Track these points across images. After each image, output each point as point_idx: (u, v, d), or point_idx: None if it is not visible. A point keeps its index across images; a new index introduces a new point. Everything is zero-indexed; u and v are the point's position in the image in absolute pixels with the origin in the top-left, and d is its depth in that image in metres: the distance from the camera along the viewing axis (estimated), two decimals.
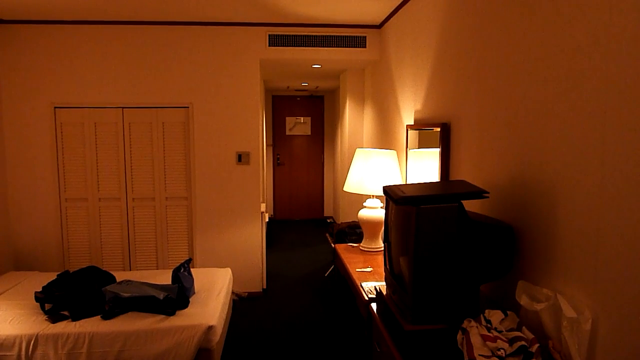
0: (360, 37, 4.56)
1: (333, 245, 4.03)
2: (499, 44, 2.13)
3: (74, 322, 2.93)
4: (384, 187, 2.03)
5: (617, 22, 1.38)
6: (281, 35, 4.48)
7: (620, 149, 1.36)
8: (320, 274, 5.46)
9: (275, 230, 7.65)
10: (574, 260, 1.58)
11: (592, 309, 1.48)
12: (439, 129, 2.79)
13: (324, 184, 8.67)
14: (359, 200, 4.74)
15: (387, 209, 2.22)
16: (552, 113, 1.71)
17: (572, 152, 1.58)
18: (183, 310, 3.11)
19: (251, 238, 4.70)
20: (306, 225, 8.21)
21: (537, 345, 1.55)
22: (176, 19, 4.32)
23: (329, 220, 8.41)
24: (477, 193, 1.83)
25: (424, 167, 3.13)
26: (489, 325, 1.71)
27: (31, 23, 4.28)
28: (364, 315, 2.55)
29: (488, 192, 1.84)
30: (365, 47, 4.57)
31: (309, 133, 8.61)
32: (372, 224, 3.40)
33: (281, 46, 4.50)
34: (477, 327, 1.68)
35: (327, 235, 6.92)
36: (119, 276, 3.57)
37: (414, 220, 1.73)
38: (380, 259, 3.25)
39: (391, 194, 1.89)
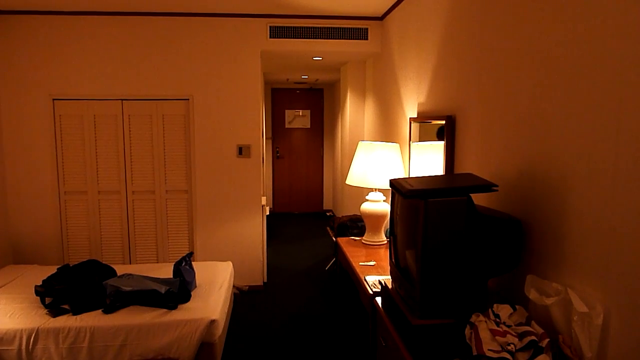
0: (362, 28, 4.51)
1: (334, 239, 4.01)
2: (506, 33, 2.10)
3: (75, 316, 2.91)
4: (390, 180, 2.01)
5: (635, 9, 1.35)
6: (282, 26, 4.44)
7: (636, 139, 1.34)
8: (321, 268, 5.45)
9: (275, 224, 7.62)
10: (585, 253, 1.56)
11: (603, 303, 1.46)
12: (443, 122, 2.76)
13: (324, 178, 8.64)
14: (359, 193, 4.72)
15: (393, 202, 2.19)
16: (563, 103, 1.68)
17: (584, 144, 1.56)
18: (185, 304, 3.09)
19: (252, 231, 4.68)
20: (306, 219, 8.19)
21: (547, 340, 1.53)
22: (176, 10, 4.26)
23: (328, 214, 8.39)
24: (486, 186, 1.81)
25: (427, 160, 3.11)
26: (497, 319, 1.69)
27: (29, 13, 4.22)
28: (368, 309, 2.54)
29: (497, 185, 1.82)
30: (367, 39, 4.53)
31: (309, 126, 8.57)
32: (375, 217, 3.38)
33: (282, 38, 4.45)
34: (485, 321, 1.66)
35: (328, 228, 6.90)
36: (120, 270, 3.55)
37: (423, 214, 1.71)
38: (383, 252, 3.23)
39: (399, 187, 1.87)
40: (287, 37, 4.46)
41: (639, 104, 1.33)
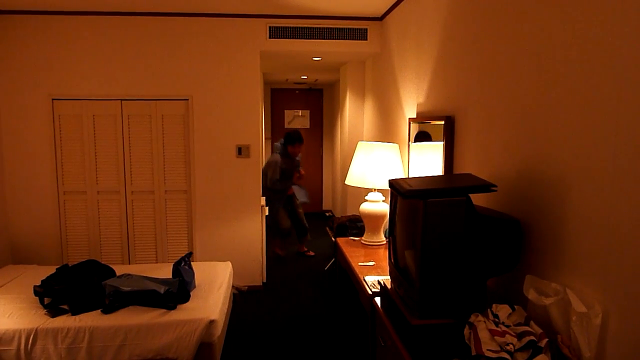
0: (362, 29, 4.52)
1: (334, 239, 4.02)
2: (505, 34, 2.10)
3: (74, 316, 2.91)
4: (389, 180, 2.01)
5: (634, 7, 1.36)
6: (282, 27, 4.44)
7: (635, 140, 1.34)
8: (320, 268, 5.45)
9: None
10: (584, 253, 1.57)
11: (602, 303, 1.46)
12: (442, 122, 2.76)
13: (323, 178, 8.64)
14: (359, 193, 4.72)
15: (392, 202, 2.20)
16: (561, 104, 1.68)
17: (583, 144, 1.56)
18: (184, 305, 3.08)
19: (251, 231, 4.68)
20: (305, 219, 8.16)
21: (545, 340, 1.53)
22: (176, 10, 4.26)
23: (327, 214, 8.39)
24: (484, 186, 1.81)
25: (426, 160, 3.11)
26: (496, 319, 1.69)
27: (28, 13, 4.21)
28: (368, 309, 2.54)
29: (496, 186, 1.82)
30: (366, 39, 4.53)
31: (308, 126, 8.57)
32: (374, 217, 3.38)
33: (281, 38, 4.46)
34: (484, 321, 1.66)
35: (327, 228, 6.90)
36: (119, 270, 3.54)
37: (422, 214, 1.71)
38: (382, 252, 3.23)
39: (398, 188, 1.87)
40: (286, 38, 4.47)
41: (636, 105, 1.33)
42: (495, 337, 1.57)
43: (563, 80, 1.67)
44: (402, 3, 3.80)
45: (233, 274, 4.17)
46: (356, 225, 3.98)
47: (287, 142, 5.68)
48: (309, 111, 8.55)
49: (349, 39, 4.52)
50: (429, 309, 1.78)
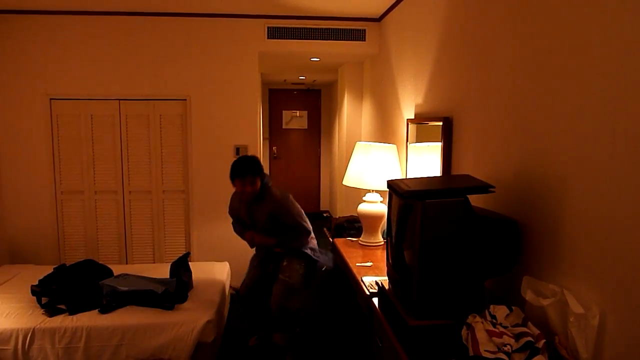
0: (360, 30, 4.52)
1: (331, 240, 4.01)
2: (502, 35, 2.11)
3: (71, 316, 2.91)
4: (388, 181, 2.01)
5: (630, 9, 1.36)
6: (280, 27, 4.44)
7: (632, 142, 1.35)
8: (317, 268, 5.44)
9: None
10: (582, 255, 1.57)
11: (599, 304, 1.46)
12: (440, 123, 2.76)
13: (321, 178, 8.64)
14: (356, 194, 4.72)
15: (390, 203, 2.20)
16: (560, 105, 1.69)
17: (581, 145, 1.56)
18: (181, 305, 3.09)
19: None
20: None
21: (543, 341, 1.53)
22: (175, 10, 4.26)
23: (325, 215, 8.39)
24: (482, 187, 1.82)
25: (424, 161, 3.11)
26: (494, 320, 1.69)
27: (26, 13, 4.20)
28: (365, 310, 2.54)
29: (494, 187, 1.82)
30: (364, 40, 4.54)
31: (306, 127, 8.57)
32: (372, 218, 3.38)
33: (280, 38, 4.46)
34: (482, 322, 1.67)
35: (325, 229, 6.90)
36: (116, 270, 3.54)
37: (420, 215, 1.71)
38: (380, 253, 3.23)
39: (396, 188, 1.87)
40: (285, 38, 4.47)
41: (634, 105, 1.34)
42: (493, 338, 1.58)
43: (560, 81, 1.68)
44: (400, 4, 3.81)
45: (230, 274, 4.17)
46: (354, 225, 3.98)
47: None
48: (306, 112, 8.55)
49: (347, 40, 4.52)
50: (426, 310, 1.78)
